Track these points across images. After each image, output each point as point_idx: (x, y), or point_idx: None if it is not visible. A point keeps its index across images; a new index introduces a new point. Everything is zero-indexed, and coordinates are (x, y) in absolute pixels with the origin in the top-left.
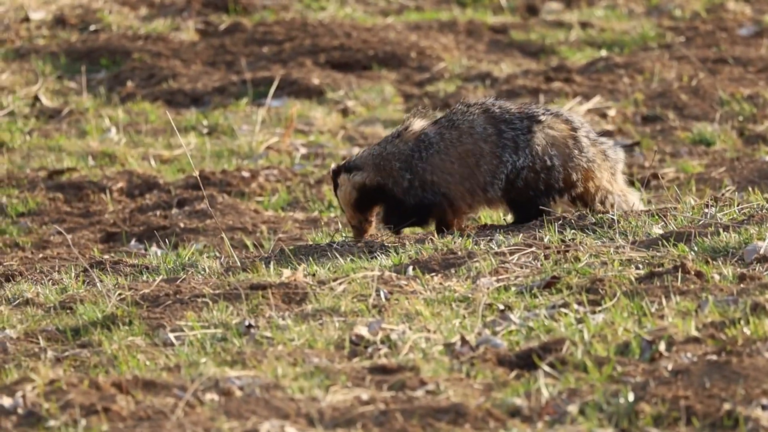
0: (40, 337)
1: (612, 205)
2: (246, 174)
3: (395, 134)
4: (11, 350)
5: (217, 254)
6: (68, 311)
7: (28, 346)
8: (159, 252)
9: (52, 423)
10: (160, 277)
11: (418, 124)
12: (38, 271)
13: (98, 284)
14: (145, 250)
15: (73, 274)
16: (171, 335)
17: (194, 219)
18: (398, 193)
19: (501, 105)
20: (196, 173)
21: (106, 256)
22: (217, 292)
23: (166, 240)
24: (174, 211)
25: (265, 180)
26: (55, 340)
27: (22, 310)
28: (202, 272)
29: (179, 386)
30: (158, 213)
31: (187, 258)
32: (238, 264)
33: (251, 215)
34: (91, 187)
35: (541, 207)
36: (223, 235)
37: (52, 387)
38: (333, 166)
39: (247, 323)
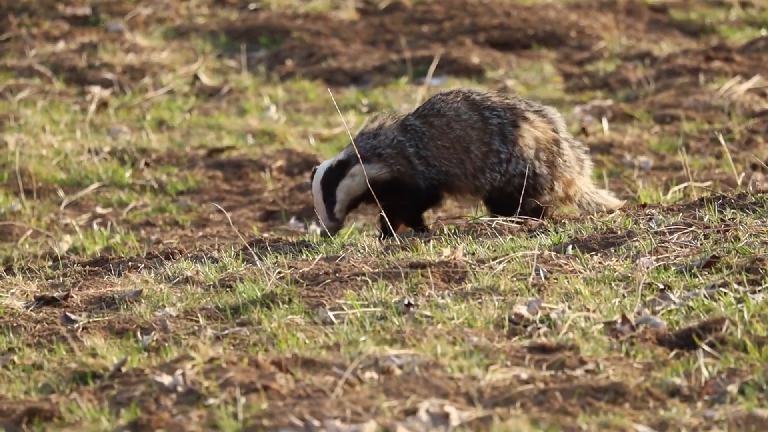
0: (199, 316)
1: (587, 205)
2: None
3: (375, 130)
4: (171, 328)
5: (377, 233)
6: (228, 289)
7: (187, 325)
8: (318, 230)
9: (211, 401)
10: (320, 255)
11: (389, 120)
12: (198, 249)
13: (258, 262)
14: (305, 228)
15: (232, 253)
16: (330, 314)
17: None
18: (414, 178)
19: (478, 92)
20: (357, 151)
21: (265, 235)
22: (376, 270)
23: None
24: None
25: None
26: (214, 319)
27: (182, 289)
28: (362, 251)
29: (339, 365)
30: None
31: (346, 237)
32: (398, 243)
33: None
34: (250, 165)
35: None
36: (383, 213)
37: (212, 365)
38: (337, 158)
39: (406, 302)
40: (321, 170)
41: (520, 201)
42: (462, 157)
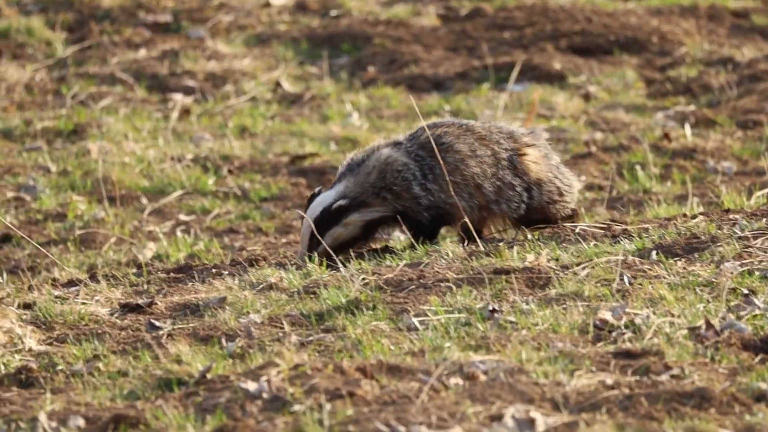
0: (284, 322)
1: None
2: None
3: (373, 164)
4: (256, 335)
5: (460, 238)
6: (312, 296)
7: (272, 331)
8: (402, 237)
9: (296, 407)
10: (404, 261)
11: (388, 149)
12: (282, 255)
13: (342, 269)
14: (388, 234)
15: (316, 259)
16: (415, 320)
17: None
18: (417, 213)
19: (477, 125)
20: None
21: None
22: (460, 276)
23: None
24: None
25: None
26: (299, 325)
27: (266, 295)
28: (446, 257)
29: (423, 370)
30: None
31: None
32: (482, 249)
33: None
34: (333, 172)
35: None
36: (466, 219)
37: (297, 371)
38: (339, 202)
39: (490, 308)
40: (318, 205)
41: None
42: (472, 192)
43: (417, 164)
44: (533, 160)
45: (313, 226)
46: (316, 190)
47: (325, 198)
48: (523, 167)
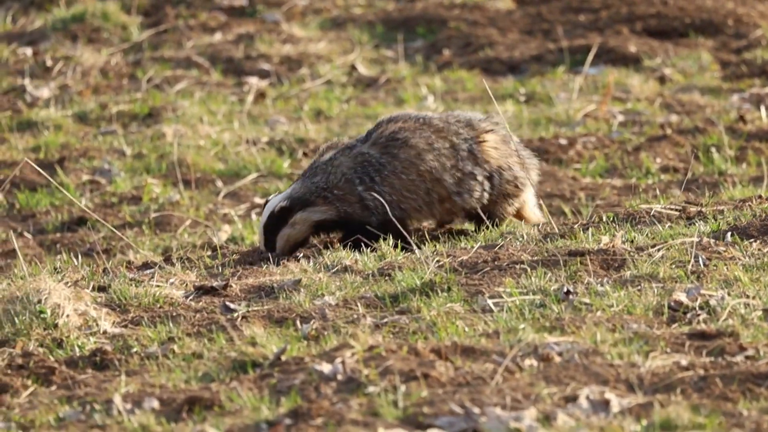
0: (358, 304)
1: (532, 205)
2: (563, 141)
3: (326, 164)
4: (330, 317)
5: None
6: (387, 278)
7: (347, 313)
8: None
9: (371, 389)
10: (479, 243)
11: (336, 153)
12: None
13: (416, 251)
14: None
15: (390, 242)
16: (490, 301)
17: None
18: (363, 217)
19: (433, 116)
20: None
21: (424, 223)
22: (535, 258)
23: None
24: None
25: (583, 147)
26: (373, 307)
27: (340, 277)
28: (520, 239)
29: (498, 352)
30: None
31: (505, 225)
32: (557, 230)
33: (569, 182)
34: None
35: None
36: (541, 202)
37: (371, 353)
38: (280, 203)
39: (565, 289)
40: (267, 209)
41: (510, 206)
42: (429, 187)
43: (363, 168)
44: (492, 145)
45: (262, 231)
46: (270, 196)
47: (274, 201)
48: (483, 155)
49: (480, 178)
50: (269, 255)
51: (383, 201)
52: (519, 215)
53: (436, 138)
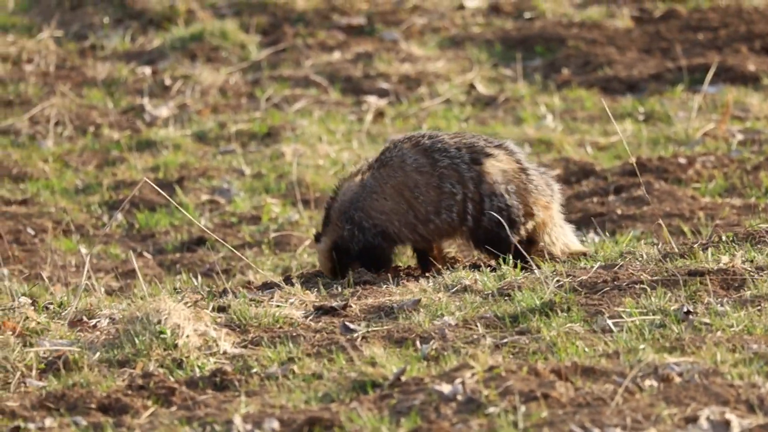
0: (478, 324)
1: (556, 239)
2: (682, 160)
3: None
4: (450, 337)
5: (655, 241)
6: (506, 298)
7: (466, 333)
8: (596, 238)
9: (491, 409)
10: (598, 263)
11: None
12: (476, 258)
13: (536, 271)
14: (583, 236)
15: (510, 262)
16: (609, 321)
17: (631, 205)
18: (345, 245)
19: (431, 135)
20: (633, 160)
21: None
22: (655, 278)
23: (603, 226)
24: (611, 197)
25: (702, 166)
26: (493, 327)
27: (460, 297)
28: (640, 259)
29: (618, 372)
30: (595, 200)
31: (624, 244)
32: (676, 250)
33: (688, 201)
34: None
35: (509, 242)
36: (660, 221)
37: (491, 374)
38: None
39: (685, 309)
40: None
41: (506, 235)
42: (405, 206)
43: (354, 193)
44: (488, 170)
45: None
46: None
47: None
48: (482, 177)
49: (459, 197)
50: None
51: (365, 225)
52: (542, 246)
53: (413, 154)
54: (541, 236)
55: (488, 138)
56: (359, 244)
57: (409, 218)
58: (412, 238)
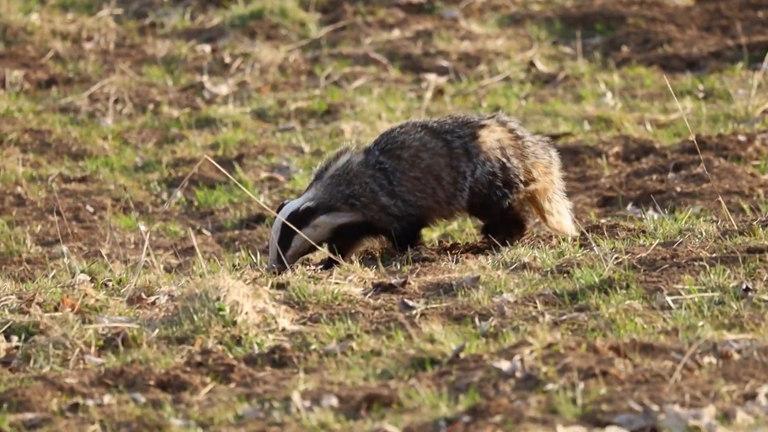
0: (537, 301)
1: (557, 204)
2: (742, 138)
3: (346, 173)
4: (509, 314)
5: (714, 218)
6: (565, 275)
7: (525, 310)
8: (655, 216)
9: (549, 386)
10: (657, 240)
11: (354, 157)
12: (535, 235)
13: (595, 248)
14: (642, 214)
15: (569, 239)
16: (668, 299)
17: (690, 183)
18: (387, 223)
19: (434, 120)
20: (693, 137)
21: (602, 220)
22: (714, 255)
23: (663, 204)
24: (670, 175)
25: (762, 144)
26: (552, 304)
27: (519, 275)
28: (699, 236)
29: (677, 349)
30: (654, 177)
31: (683, 222)
32: (735, 227)
33: (748, 179)
34: (587, 151)
35: (506, 208)
36: (720, 198)
37: (550, 350)
38: (306, 204)
39: (744, 286)
40: (286, 211)
41: (501, 199)
42: (434, 185)
43: (382, 172)
44: (483, 140)
45: (279, 229)
46: (285, 201)
47: (293, 204)
48: (477, 149)
49: (468, 173)
50: (269, 265)
51: (404, 200)
52: (543, 217)
53: (430, 138)
54: (542, 202)
55: (480, 114)
56: (402, 221)
57: (433, 200)
58: (432, 219)
